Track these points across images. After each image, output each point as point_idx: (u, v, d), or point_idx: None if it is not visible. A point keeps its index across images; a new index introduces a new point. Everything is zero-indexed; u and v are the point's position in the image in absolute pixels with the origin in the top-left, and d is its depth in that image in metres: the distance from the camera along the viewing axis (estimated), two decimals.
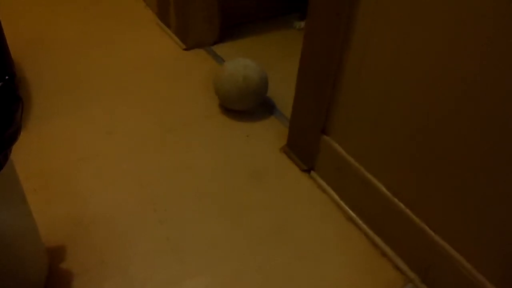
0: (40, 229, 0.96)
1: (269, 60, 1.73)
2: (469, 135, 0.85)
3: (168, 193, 1.23)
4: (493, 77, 0.78)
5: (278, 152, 1.39)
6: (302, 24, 1.89)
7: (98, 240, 1.09)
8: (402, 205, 1.04)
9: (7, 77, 0.82)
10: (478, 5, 0.76)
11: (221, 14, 1.74)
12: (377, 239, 1.14)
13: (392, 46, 0.94)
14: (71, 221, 1.13)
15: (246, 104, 1.48)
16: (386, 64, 0.97)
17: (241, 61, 1.46)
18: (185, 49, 1.77)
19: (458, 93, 0.84)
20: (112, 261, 1.05)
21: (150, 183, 1.25)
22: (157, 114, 1.49)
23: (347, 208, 1.21)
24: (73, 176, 1.25)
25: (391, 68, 0.96)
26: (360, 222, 1.18)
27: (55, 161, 1.29)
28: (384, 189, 1.08)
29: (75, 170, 1.27)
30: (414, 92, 0.93)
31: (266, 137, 1.44)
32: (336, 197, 1.24)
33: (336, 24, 1.04)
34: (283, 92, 1.60)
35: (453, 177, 0.91)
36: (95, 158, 1.32)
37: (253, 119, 1.50)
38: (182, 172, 1.30)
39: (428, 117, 0.91)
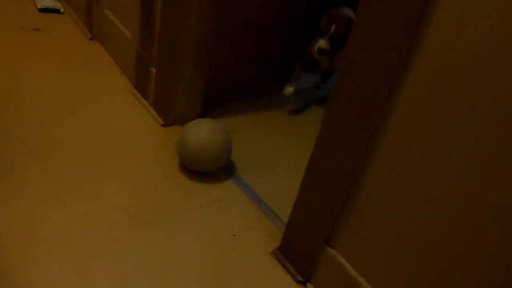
0: None
1: (249, 141, 1.63)
2: None
3: None
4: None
5: (268, 257, 1.22)
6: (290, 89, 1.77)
7: None
8: None
9: None
10: None
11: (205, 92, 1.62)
12: None
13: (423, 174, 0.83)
14: None
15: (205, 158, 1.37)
16: (416, 182, 0.86)
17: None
18: (163, 125, 1.61)
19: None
20: None
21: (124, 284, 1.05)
22: (126, 204, 1.29)
23: None
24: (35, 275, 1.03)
25: (420, 193, 0.85)
26: None
27: (13, 255, 1.07)
28: None
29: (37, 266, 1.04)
30: (438, 223, 0.83)
31: (254, 238, 1.27)
32: None
33: (359, 140, 0.93)
34: (266, 181, 1.47)
35: None
36: (60, 252, 1.10)
37: (237, 214, 1.33)
38: (160, 274, 1.10)
39: (450, 253, 0.81)
